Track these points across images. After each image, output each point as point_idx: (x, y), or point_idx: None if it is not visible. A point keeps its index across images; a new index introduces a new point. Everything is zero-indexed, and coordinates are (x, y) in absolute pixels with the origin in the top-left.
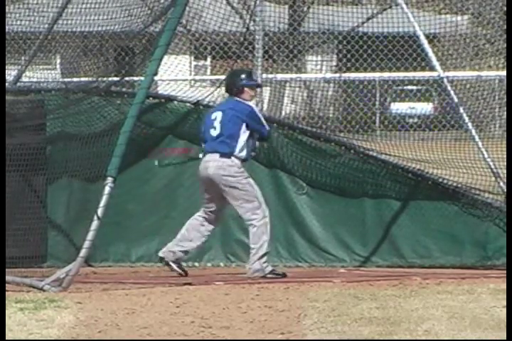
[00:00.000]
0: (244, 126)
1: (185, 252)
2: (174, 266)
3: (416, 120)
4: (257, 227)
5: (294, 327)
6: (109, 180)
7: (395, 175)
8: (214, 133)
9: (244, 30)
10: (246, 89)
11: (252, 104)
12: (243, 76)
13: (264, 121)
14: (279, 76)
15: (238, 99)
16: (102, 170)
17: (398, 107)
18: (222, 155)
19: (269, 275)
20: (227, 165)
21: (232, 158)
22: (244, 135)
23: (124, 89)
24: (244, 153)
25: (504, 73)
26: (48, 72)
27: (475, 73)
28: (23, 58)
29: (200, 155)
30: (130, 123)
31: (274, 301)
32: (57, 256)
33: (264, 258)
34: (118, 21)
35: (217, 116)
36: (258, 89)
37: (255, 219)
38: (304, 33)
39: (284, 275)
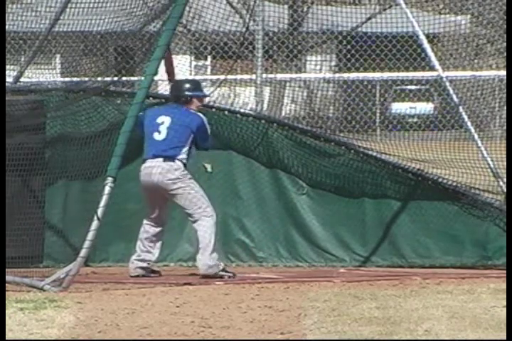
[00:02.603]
0: (191, 138)
1: (150, 261)
2: (150, 275)
3: (416, 120)
4: (206, 221)
5: (294, 327)
6: (109, 179)
7: (395, 175)
8: (158, 137)
9: (244, 30)
10: (194, 99)
11: (201, 115)
12: (190, 86)
13: (209, 134)
14: (279, 76)
15: (186, 108)
16: (101, 170)
17: (398, 107)
18: (166, 159)
19: (221, 273)
20: (172, 169)
21: (176, 161)
22: (188, 145)
23: (124, 89)
24: (186, 159)
25: (504, 73)
26: (48, 71)
27: (475, 73)
28: (23, 58)
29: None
30: (130, 123)
31: (274, 301)
32: (54, 256)
33: (215, 255)
34: (118, 21)
35: (165, 121)
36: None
37: (205, 216)
38: (304, 33)
39: (234, 275)
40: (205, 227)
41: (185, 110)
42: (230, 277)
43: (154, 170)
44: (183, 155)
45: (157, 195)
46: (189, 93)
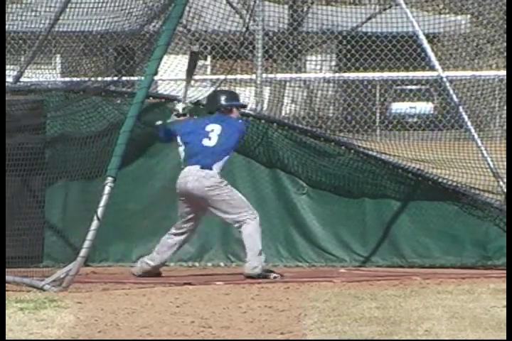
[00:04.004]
0: (238, 143)
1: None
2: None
3: (416, 120)
4: (251, 224)
5: (294, 327)
6: (109, 179)
7: (395, 175)
8: (208, 143)
9: (244, 30)
10: (234, 109)
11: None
12: (229, 97)
13: None
14: (279, 76)
15: (229, 116)
16: (101, 170)
17: (398, 107)
18: (204, 166)
19: (265, 274)
20: (208, 176)
21: (214, 168)
22: (232, 152)
23: (124, 89)
24: (222, 167)
25: (504, 73)
26: (48, 71)
27: (475, 73)
28: (23, 58)
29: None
30: (130, 123)
31: (274, 301)
32: (54, 256)
33: (262, 257)
34: (118, 21)
35: (215, 129)
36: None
37: (248, 218)
38: (304, 33)
39: (281, 275)
40: (250, 231)
41: (230, 118)
42: (275, 277)
43: (191, 177)
44: (220, 164)
45: (193, 203)
46: (229, 103)
